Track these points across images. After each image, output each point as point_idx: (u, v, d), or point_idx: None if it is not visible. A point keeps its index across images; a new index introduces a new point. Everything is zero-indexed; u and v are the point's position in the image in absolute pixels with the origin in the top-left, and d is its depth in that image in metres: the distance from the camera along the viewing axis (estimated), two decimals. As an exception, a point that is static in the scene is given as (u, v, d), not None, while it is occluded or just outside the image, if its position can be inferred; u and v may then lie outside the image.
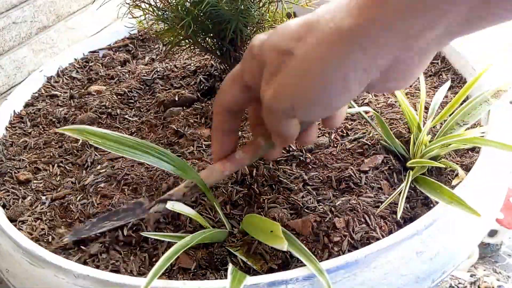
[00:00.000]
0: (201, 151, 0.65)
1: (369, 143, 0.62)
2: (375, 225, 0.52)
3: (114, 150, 0.50)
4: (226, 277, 0.45)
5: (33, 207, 0.60)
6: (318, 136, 0.64)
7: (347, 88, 0.36)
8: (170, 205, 0.52)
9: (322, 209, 0.54)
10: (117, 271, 0.50)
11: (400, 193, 0.53)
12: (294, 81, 0.37)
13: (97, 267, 0.51)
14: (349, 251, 0.49)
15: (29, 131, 0.75)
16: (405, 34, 0.33)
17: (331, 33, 0.34)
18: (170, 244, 0.53)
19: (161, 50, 0.92)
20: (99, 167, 0.64)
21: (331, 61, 0.34)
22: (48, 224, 0.58)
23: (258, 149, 0.48)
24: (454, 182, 0.56)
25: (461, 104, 0.63)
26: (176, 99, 0.74)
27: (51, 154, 0.68)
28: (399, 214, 0.51)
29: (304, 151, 0.62)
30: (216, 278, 0.49)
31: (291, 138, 0.44)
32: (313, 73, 0.36)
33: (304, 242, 0.50)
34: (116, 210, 0.55)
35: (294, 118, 0.41)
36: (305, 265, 0.45)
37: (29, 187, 0.64)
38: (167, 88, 0.78)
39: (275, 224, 0.46)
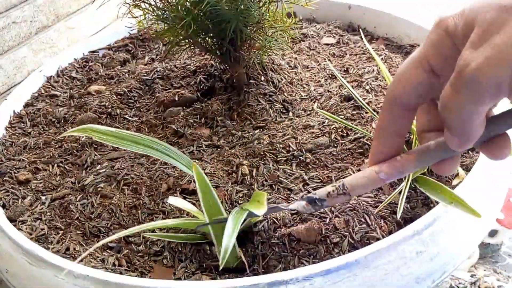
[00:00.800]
0: (201, 151, 0.65)
1: (369, 143, 0.61)
2: (375, 225, 0.52)
3: (119, 145, 0.50)
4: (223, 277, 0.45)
5: (33, 207, 0.60)
6: (318, 136, 0.64)
7: None
8: (172, 200, 0.52)
9: (322, 209, 0.53)
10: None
11: (400, 192, 0.53)
12: None
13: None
14: (349, 251, 0.49)
15: (28, 131, 0.75)
16: None
17: None
18: (171, 243, 0.53)
19: (161, 50, 0.92)
20: (98, 167, 0.64)
21: None
22: (47, 224, 0.58)
23: (426, 153, 0.36)
24: (454, 182, 0.56)
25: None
26: (176, 99, 0.74)
27: (51, 154, 0.68)
28: (399, 214, 0.51)
29: (304, 151, 0.61)
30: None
31: (474, 136, 0.33)
32: None
33: (305, 242, 0.51)
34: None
35: (492, 101, 0.31)
36: (305, 266, 0.45)
37: (28, 187, 0.64)
38: (167, 88, 0.78)
39: (262, 194, 0.45)
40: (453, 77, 0.31)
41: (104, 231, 0.56)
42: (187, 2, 0.64)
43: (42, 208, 0.60)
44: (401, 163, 0.37)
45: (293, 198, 0.55)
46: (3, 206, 0.61)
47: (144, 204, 0.58)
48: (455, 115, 0.32)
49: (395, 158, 0.37)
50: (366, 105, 0.63)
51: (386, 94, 0.36)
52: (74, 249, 0.54)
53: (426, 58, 0.34)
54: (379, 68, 0.75)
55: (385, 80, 0.65)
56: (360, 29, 0.90)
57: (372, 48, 0.81)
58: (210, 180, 0.58)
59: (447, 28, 0.33)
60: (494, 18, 0.30)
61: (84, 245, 0.55)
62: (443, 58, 0.33)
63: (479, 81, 0.30)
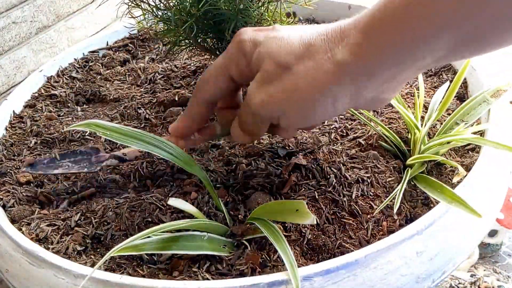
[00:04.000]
0: (201, 150, 0.65)
1: (369, 143, 0.62)
2: (375, 225, 0.52)
3: (121, 141, 0.51)
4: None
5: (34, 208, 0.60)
6: (318, 136, 0.64)
7: (334, 109, 0.42)
8: (172, 201, 0.52)
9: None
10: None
11: (399, 189, 0.53)
12: (287, 95, 0.41)
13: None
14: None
15: (29, 131, 0.75)
16: (386, 76, 0.38)
17: (328, 63, 0.39)
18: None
19: (161, 50, 0.92)
20: (99, 167, 0.64)
21: (325, 86, 0.39)
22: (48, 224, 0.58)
23: (213, 135, 0.51)
24: (454, 179, 0.56)
25: (461, 103, 0.63)
26: (176, 99, 0.74)
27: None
28: (395, 209, 0.51)
29: (304, 151, 0.62)
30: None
31: (258, 138, 0.48)
32: (307, 92, 0.40)
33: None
34: (74, 150, 0.60)
35: (271, 122, 0.45)
36: (303, 266, 0.45)
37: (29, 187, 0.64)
38: (167, 88, 0.78)
39: (299, 203, 0.46)
40: (244, 103, 0.45)
41: (103, 232, 0.56)
42: (187, 3, 0.64)
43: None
44: (194, 140, 0.52)
45: (293, 197, 0.55)
46: (4, 207, 0.61)
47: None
48: (244, 126, 0.47)
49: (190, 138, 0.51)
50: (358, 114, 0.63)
51: (194, 93, 0.49)
52: (74, 249, 0.54)
53: (227, 69, 0.45)
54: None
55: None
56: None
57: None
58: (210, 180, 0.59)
59: (245, 52, 0.43)
60: (271, 70, 0.41)
61: (84, 245, 0.55)
62: (240, 72, 0.45)
63: (259, 113, 0.44)
